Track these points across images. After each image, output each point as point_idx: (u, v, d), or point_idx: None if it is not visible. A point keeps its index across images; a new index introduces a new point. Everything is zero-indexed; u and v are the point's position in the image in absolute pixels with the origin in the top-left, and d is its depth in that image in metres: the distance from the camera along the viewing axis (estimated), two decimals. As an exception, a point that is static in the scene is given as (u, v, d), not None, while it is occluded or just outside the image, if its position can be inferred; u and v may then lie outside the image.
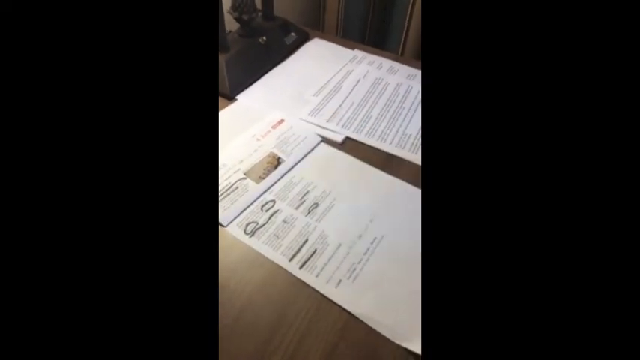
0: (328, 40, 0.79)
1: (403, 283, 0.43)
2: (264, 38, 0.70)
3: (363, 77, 0.70)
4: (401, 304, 0.42)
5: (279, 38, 0.74)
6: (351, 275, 0.44)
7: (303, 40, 0.78)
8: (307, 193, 0.52)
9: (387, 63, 0.74)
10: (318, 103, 0.64)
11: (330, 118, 0.62)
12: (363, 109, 0.64)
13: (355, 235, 0.48)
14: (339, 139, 0.59)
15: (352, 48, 0.77)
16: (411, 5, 0.88)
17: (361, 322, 0.40)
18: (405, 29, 0.92)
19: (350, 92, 0.67)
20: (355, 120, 0.62)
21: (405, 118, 0.63)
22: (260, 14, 0.74)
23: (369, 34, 1.00)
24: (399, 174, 0.54)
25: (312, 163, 0.56)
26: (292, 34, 0.76)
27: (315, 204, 0.51)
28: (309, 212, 0.50)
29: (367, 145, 0.58)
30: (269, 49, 0.71)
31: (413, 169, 0.55)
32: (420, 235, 0.48)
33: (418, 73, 0.72)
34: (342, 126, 0.61)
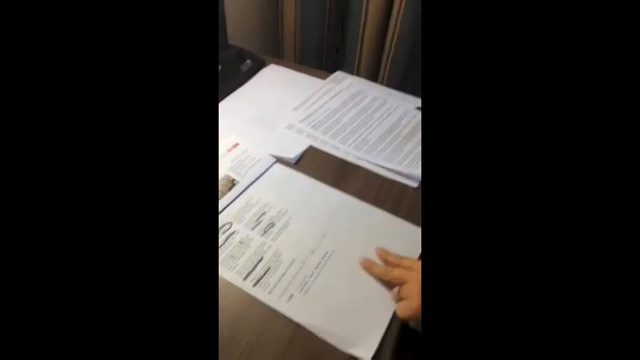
0: (284, 65, 0.83)
1: (350, 294, 0.46)
2: (220, 67, 0.73)
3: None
4: (348, 313, 0.44)
5: (235, 66, 0.77)
6: (302, 289, 0.46)
7: (259, 66, 0.81)
8: (264, 213, 0.54)
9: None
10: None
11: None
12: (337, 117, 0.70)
13: (308, 250, 0.50)
14: (293, 155, 0.62)
15: (307, 73, 0.81)
16: (362, 30, 0.93)
17: (310, 333, 0.41)
18: (358, 53, 0.97)
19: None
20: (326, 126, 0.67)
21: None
22: (215, 44, 0.77)
23: (326, 58, 1.04)
24: (347, 188, 0.57)
25: (266, 183, 0.58)
26: (248, 61, 0.79)
27: (271, 224, 0.53)
28: (264, 232, 0.52)
29: (319, 163, 0.61)
30: (225, 77, 0.73)
31: (359, 184, 0.58)
32: (366, 247, 0.50)
33: (365, 88, 0.76)
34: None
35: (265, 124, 0.68)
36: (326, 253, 0.50)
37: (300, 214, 0.54)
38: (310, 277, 0.47)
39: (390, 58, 0.93)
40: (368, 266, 0.48)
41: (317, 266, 0.48)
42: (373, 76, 0.99)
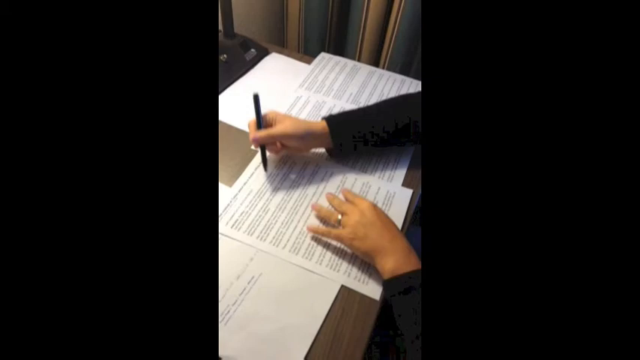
0: (287, 54, 0.86)
1: (273, 320, 0.45)
2: (225, 56, 0.77)
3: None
4: (268, 342, 0.43)
5: (240, 55, 0.80)
6: (224, 319, 0.44)
7: (263, 55, 0.84)
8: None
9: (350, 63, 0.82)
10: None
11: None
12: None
13: (234, 276, 0.48)
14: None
15: (309, 62, 0.83)
16: (364, 16, 0.95)
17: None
18: (360, 37, 0.99)
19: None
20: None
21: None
22: (221, 33, 0.81)
23: (329, 45, 1.07)
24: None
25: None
26: (252, 50, 0.82)
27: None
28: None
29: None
30: (230, 66, 0.77)
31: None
32: (292, 270, 0.49)
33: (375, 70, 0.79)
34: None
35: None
36: (252, 278, 0.47)
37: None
38: (233, 304, 0.45)
39: (392, 44, 0.95)
40: (317, 209, 0.54)
41: (242, 292, 0.46)
42: (374, 60, 1.01)
